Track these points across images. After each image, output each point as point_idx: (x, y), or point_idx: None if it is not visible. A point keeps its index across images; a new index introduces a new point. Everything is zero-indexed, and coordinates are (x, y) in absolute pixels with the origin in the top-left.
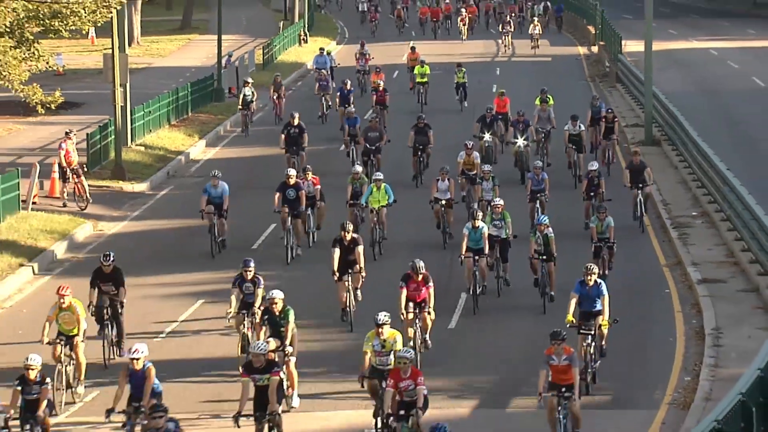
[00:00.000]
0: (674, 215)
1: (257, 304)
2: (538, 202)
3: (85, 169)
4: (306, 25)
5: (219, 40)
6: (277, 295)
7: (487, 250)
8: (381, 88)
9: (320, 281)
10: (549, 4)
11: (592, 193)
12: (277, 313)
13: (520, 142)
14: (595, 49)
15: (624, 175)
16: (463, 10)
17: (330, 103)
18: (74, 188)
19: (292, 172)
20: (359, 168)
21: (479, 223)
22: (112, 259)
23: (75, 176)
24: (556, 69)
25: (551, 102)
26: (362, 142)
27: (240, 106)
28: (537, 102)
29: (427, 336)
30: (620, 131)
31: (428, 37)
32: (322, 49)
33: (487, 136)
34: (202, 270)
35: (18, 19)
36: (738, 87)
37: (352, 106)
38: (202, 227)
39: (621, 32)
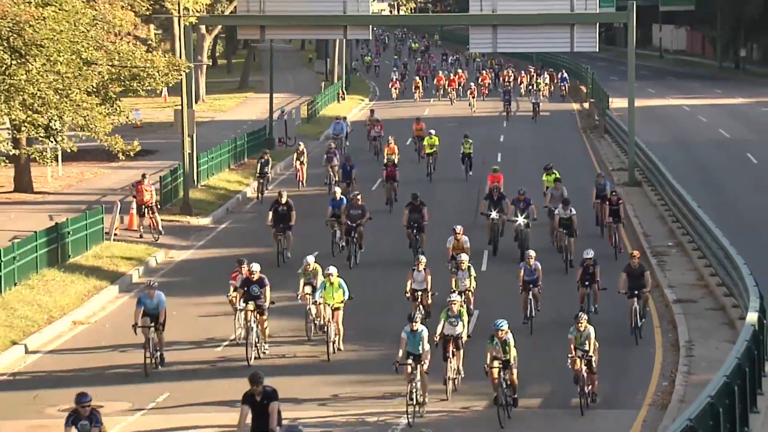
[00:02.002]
0: (653, 245)
1: None
2: (531, 293)
3: (158, 206)
4: (343, 85)
5: (270, 98)
6: None
7: (426, 359)
8: (392, 163)
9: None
10: (567, 74)
11: (587, 282)
12: None
13: (521, 220)
14: (586, 105)
15: (620, 279)
16: (472, 83)
17: (336, 178)
18: (149, 222)
19: (256, 267)
20: (311, 258)
21: (418, 326)
22: None
23: (150, 212)
24: (554, 122)
25: (557, 175)
26: (344, 220)
27: (257, 174)
28: (543, 177)
29: None
30: (625, 215)
31: (444, 101)
32: (338, 117)
33: (494, 214)
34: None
35: (103, 80)
36: (707, 138)
37: (354, 182)
38: (256, 255)
39: (608, 91)
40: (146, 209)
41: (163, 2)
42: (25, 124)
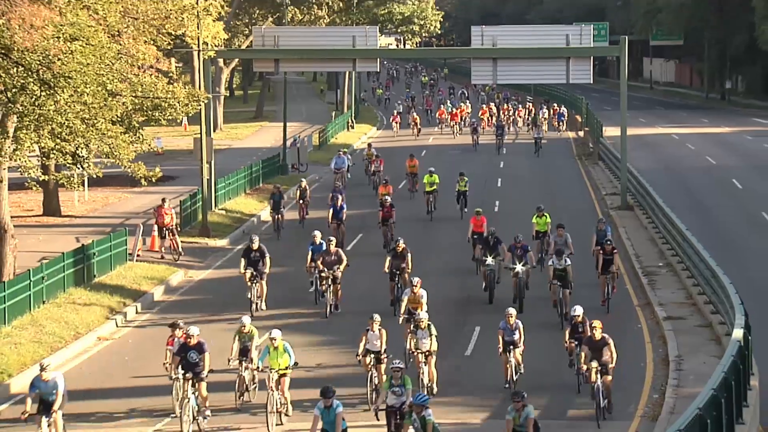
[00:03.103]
0: (644, 265)
1: None
2: (511, 354)
3: (179, 228)
4: (353, 115)
5: (284, 127)
6: None
7: None
8: (388, 204)
9: None
10: (565, 110)
11: (575, 342)
12: None
13: (519, 268)
14: (581, 133)
15: (581, 353)
16: (473, 119)
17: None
18: (170, 243)
19: (194, 330)
20: (247, 320)
21: (332, 402)
22: None
23: (170, 234)
24: (551, 149)
25: (548, 219)
26: (321, 267)
27: (271, 209)
28: (534, 220)
29: None
30: (619, 264)
31: (447, 134)
32: (340, 150)
33: (489, 260)
34: (271, 308)
35: (127, 110)
36: (694, 164)
37: (344, 223)
38: (270, 275)
39: (602, 120)
40: (167, 231)
41: (184, 37)
42: (54, 151)
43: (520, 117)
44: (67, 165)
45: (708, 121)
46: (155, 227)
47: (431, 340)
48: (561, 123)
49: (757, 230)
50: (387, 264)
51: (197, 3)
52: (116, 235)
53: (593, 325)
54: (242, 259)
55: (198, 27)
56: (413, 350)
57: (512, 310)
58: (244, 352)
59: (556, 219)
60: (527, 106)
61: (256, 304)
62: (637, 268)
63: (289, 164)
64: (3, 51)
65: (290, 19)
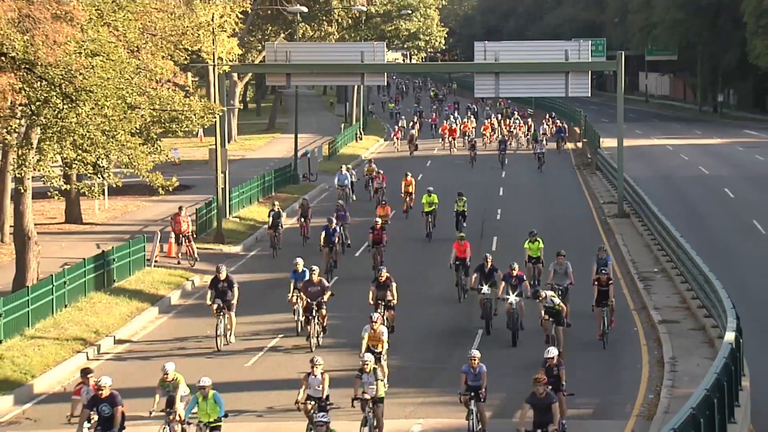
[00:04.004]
0: (640, 271)
1: None
2: (473, 402)
3: (194, 235)
4: (361, 127)
5: (295, 138)
6: None
7: None
8: (379, 226)
9: None
10: (565, 126)
11: (549, 387)
12: None
13: (512, 298)
14: (580, 144)
15: (522, 411)
16: (475, 139)
17: (349, 240)
18: (186, 250)
19: (106, 381)
20: (170, 367)
21: None
22: None
23: (186, 241)
24: (551, 159)
25: (541, 244)
26: (303, 296)
27: (269, 227)
28: (526, 245)
29: None
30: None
31: (446, 149)
32: (342, 166)
33: (485, 289)
34: (282, 312)
35: (145, 123)
36: (688, 174)
37: (336, 246)
38: (280, 280)
39: (599, 132)
40: (183, 238)
41: (200, 53)
42: (76, 162)
43: (521, 132)
44: (88, 175)
45: (701, 132)
46: (172, 234)
47: (378, 384)
48: (561, 140)
49: (748, 238)
50: (371, 296)
51: (213, 20)
52: (135, 241)
53: (538, 378)
54: (209, 290)
55: (213, 43)
56: (356, 396)
57: (476, 353)
58: (170, 403)
59: (556, 223)
60: (527, 122)
61: (226, 336)
62: (633, 273)
63: (300, 174)
64: (27, 66)
65: (301, 35)
